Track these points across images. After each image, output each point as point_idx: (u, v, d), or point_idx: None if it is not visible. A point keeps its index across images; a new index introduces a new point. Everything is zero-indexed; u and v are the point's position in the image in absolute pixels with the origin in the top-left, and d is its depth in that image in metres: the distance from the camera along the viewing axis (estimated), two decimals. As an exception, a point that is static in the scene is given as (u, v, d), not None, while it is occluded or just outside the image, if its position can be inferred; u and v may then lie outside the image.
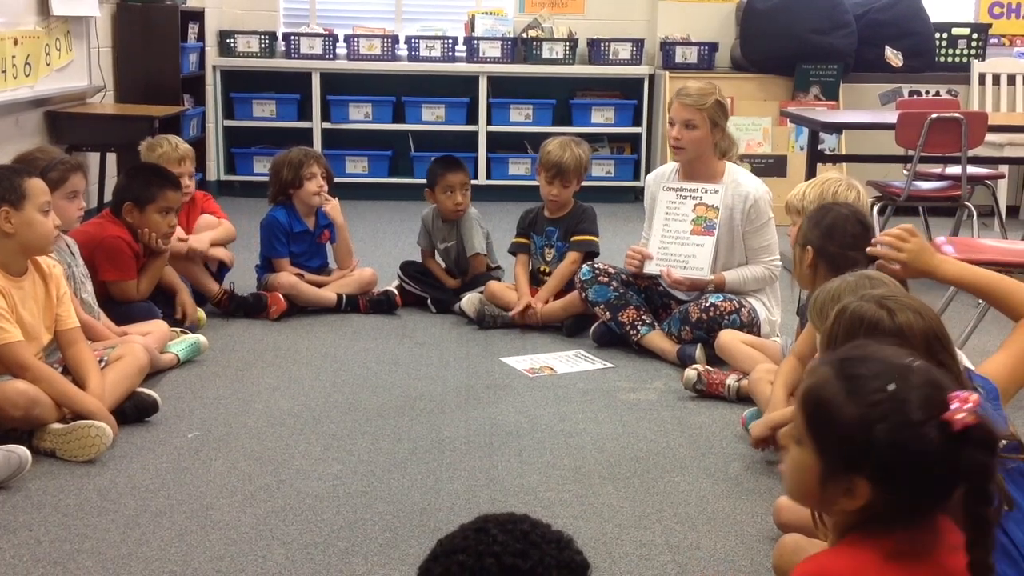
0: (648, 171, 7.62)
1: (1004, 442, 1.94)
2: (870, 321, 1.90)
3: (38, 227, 3.23)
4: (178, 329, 4.16)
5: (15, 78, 5.09)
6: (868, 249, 2.60)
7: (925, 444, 1.45)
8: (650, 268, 4.30)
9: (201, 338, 4.12)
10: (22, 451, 2.96)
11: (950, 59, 7.72)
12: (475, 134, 7.70)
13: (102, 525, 2.74)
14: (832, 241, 3.07)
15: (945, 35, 7.70)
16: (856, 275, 2.42)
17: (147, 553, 2.60)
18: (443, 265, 5.03)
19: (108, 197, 5.94)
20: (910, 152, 5.43)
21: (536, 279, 4.76)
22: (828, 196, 3.40)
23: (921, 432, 1.45)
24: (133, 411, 3.41)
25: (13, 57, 5.07)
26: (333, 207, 4.91)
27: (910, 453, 1.46)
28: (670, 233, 4.28)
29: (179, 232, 4.52)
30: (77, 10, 5.75)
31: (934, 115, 5.29)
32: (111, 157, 6.03)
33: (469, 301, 4.66)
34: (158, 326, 3.99)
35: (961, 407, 1.45)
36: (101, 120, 5.97)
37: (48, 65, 5.45)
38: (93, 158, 5.95)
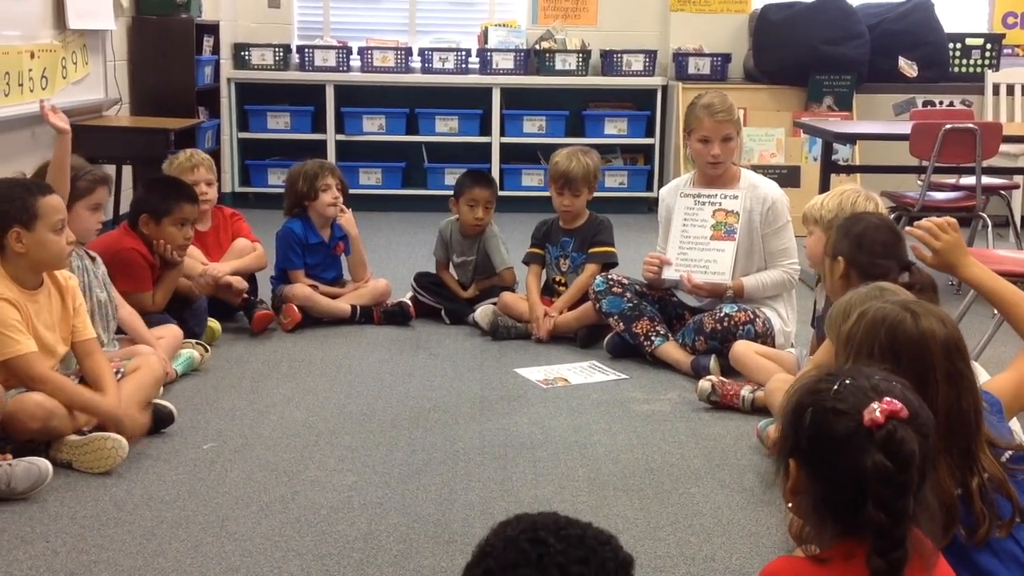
0: (662, 182, 7.64)
1: (1010, 452, 1.95)
2: (892, 322, 1.92)
3: (50, 247, 3.23)
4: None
5: (32, 91, 5.12)
6: (907, 229, 2.71)
7: (835, 432, 1.53)
8: (669, 274, 4.30)
9: (194, 352, 4.10)
10: (43, 463, 2.97)
11: (964, 69, 7.71)
12: (488, 145, 7.72)
13: (118, 536, 2.75)
14: (863, 250, 3.04)
15: (959, 45, 7.69)
16: (869, 287, 2.42)
17: (163, 564, 2.60)
18: (457, 278, 5.04)
19: (124, 209, 5.96)
20: (924, 163, 5.42)
21: (550, 289, 4.77)
22: (846, 207, 3.39)
23: (836, 421, 1.54)
24: (149, 422, 3.42)
25: (30, 70, 5.11)
26: (347, 219, 4.93)
27: (823, 438, 1.55)
28: (689, 239, 4.28)
29: (200, 256, 4.55)
30: (93, 24, 5.79)
31: (948, 125, 5.29)
32: (127, 170, 6.06)
33: (483, 312, 4.67)
34: (171, 331, 4.01)
35: (878, 407, 1.52)
36: (117, 133, 6.00)
37: (64, 78, 5.48)
38: (109, 171, 5.96)
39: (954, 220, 2.63)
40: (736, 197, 4.22)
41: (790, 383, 3.39)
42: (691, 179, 4.39)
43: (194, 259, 4.51)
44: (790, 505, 1.63)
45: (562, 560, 1.20)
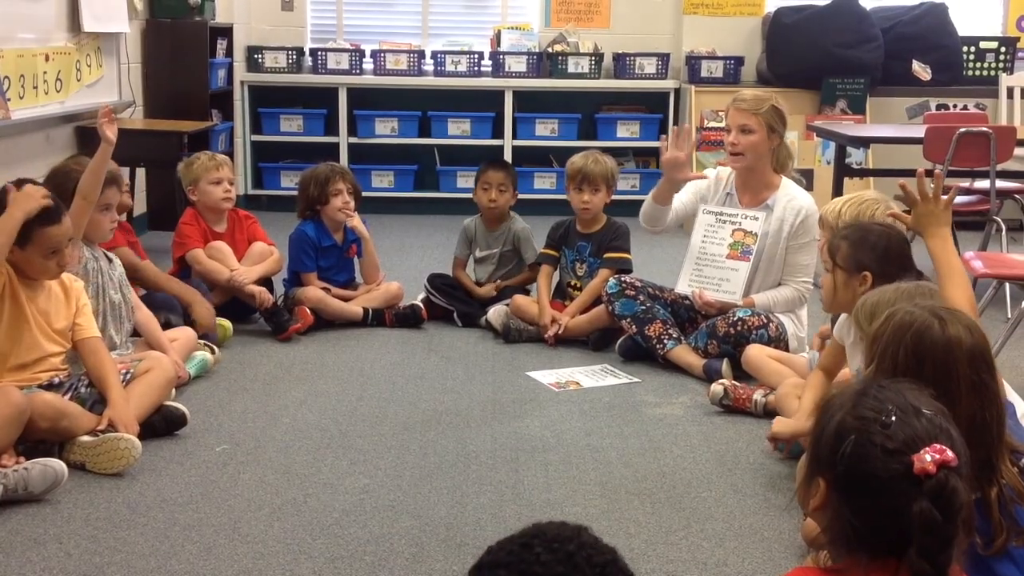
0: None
1: None
2: (919, 327, 1.91)
3: (36, 268, 3.27)
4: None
5: (46, 94, 5.15)
6: (901, 183, 2.80)
7: (878, 470, 1.46)
8: (682, 288, 4.31)
9: (207, 354, 4.11)
10: (58, 464, 2.98)
11: (978, 73, 7.68)
12: (500, 148, 7.71)
13: (131, 538, 2.75)
14: (891, 263, 3.02)
15: (973, 49, 7.65)
16: (912, 284, 2.42)
17: (176, 566, 2.61)
18: (474, 277, 5.04)
19: (139, 211, 6.00)
20: (938, 166, 5.40)
21: (564, 293, 4.77)
22: (865, 218, 3.34)
23: (881, 459, 1.46)
24: (162, 424, 3.43)
25: (44, 73, 5.13)
26: (356, 223, 4.91)
27: (863, 473, 1.47)
28: (706, 255, 4.29)
29: (231, 258, 4.59)
30: (107, 27, 5.81)
31: (962, 129, 5.27)
32: (140, 172, 6.08)
33: (495, 315, 4.67)
34: (185, 333, 4.02)
35: (930, 454, 1.45)
36: (131, 135, 5.98)
37: (79, 81, 5.50)
38: (123, 173, 5.99)
39: (948, 199, 2.71)
40: (757, 219, 4.21)
41: (801, 387, 3.39)
42: (731, 177, 4.37)
43: (222, 261, 4.58)
44: (807, 518, 1.61)
45: (540, 571, 1.21)
